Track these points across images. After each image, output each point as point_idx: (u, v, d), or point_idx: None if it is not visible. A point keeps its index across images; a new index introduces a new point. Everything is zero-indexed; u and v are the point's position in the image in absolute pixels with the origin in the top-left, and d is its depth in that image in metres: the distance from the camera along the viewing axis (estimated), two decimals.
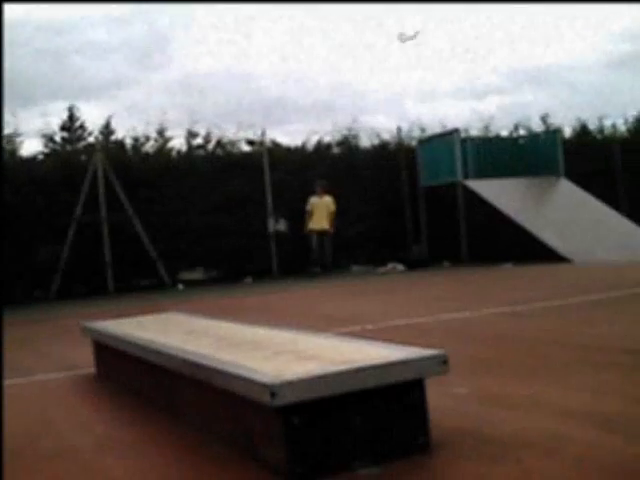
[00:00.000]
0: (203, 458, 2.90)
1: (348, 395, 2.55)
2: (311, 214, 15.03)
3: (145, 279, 15.14)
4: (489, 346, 5.15)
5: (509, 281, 11.19)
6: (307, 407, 2.50)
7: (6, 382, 5.11)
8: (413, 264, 15.53)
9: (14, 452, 3.28)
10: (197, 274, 16.31)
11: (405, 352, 2.78)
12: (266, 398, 2.44)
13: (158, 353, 3.64)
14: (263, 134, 16.27)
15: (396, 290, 11.30)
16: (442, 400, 3.32)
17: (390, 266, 15.56)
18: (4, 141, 14.60)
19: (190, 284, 14.93)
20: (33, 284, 14.39)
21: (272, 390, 2.42)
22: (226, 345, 3.53)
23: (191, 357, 3.21)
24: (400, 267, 15.44)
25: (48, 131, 16.03)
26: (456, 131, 16.23)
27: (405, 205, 17.03)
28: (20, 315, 11.03)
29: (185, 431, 3.29)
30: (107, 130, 18.47)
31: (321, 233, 15.02)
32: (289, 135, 21.50)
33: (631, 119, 19.86)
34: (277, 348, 3.22)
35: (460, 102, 42.05)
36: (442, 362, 2.71)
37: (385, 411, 2.65)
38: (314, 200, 15.03)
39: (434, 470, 2.57)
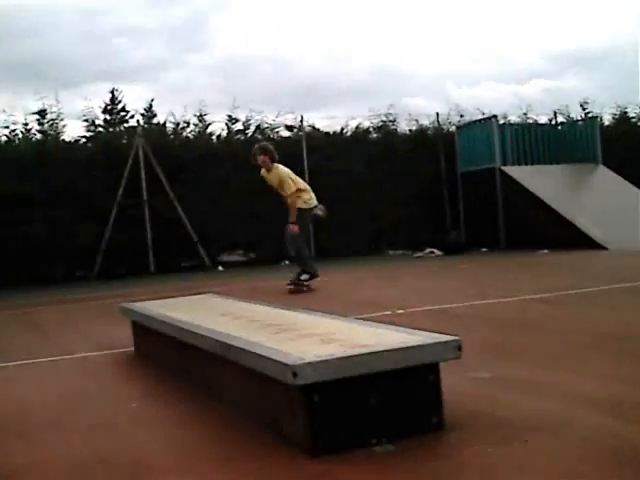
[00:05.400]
0: (233, 434, 3.08)
1: (365, 376, 2.70)
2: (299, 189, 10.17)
3: (186, 261, 15.41)
4: (516, 332, 5.24)
5: (543, 268, 11.22)
6: (327, 386, 2.66)
7: (47, 359, 5.36)
8: (450, 249, 15.59)
9: (54, 423, 3.50)
10: (237, 256, 16.52)
11: (422, 337, 2.92)
12: (289, 377, 2.60)
13: (192, 334, 3.82)
14: (301, 119, 16.41)
15: (431, 275, 11.41)
16: (463, 383, 3.47)
17: (427, 251, 15.64)
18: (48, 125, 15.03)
19: (230, 266, 15.16)
20: (75, 264, 14.72)
21: (294, 370, 2.59)
22: (256, 327, 3.71)
23: (222, 338, 3.38)
24: (437, 252, 15.51)
25: (90, 115, 16.23)
26: (494, 117, 16.23)
27: (443, 190, 17.10)
28: (62, 295, 11.35)
29: (217, 408, 3.47)
30: (149, 113, 18.68)
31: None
32: (328, 119, 21.63)
33: None
34: (303, 331, 3.38)
35: (503, 86, 41.51)
36: (456, 348, 2.84)
37: (400, 392, 2.80)
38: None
39: (443, 448, 2.72)
